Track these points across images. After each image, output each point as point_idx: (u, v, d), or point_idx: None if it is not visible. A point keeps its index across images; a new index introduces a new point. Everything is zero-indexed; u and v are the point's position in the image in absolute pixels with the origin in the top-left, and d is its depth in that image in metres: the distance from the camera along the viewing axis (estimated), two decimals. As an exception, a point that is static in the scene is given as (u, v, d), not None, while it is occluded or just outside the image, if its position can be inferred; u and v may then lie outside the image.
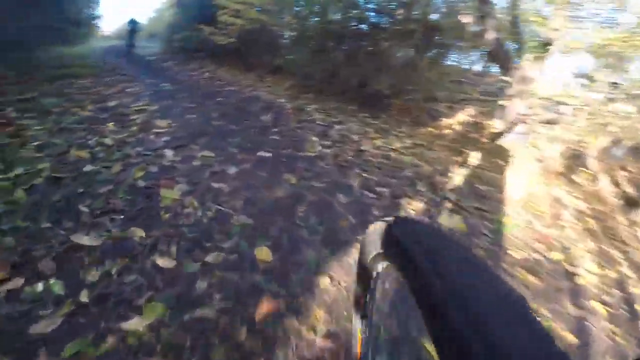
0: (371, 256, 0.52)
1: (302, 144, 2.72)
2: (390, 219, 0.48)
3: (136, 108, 2.98)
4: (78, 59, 6.71)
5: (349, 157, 2.64)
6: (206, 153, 2.19)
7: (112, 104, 3.03)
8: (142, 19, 14.11)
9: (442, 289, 0.29)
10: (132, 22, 9.85)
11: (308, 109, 4.11)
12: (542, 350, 0.24)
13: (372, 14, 4.94)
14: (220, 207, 1.66)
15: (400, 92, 5.54)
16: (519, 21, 4.16)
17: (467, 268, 0.33)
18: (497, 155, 3.74)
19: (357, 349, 0.63)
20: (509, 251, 1.90)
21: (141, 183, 1.78)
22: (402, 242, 0.39)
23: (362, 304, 0.61)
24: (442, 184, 2.65)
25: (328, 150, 2.68)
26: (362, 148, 2.92)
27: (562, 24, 3.52)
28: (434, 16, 5.03)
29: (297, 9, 5.12)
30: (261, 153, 2.35)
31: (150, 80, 4.65)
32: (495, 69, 6.68)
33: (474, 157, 3.63)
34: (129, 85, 4.16)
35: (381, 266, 0.52)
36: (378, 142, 3.25)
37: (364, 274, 0.57)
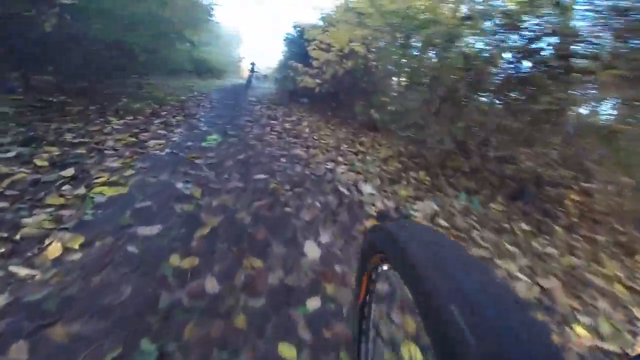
0: (371, 258, 0.52)
1: None
2: (389, 220, 0.52)
3: (81, 192, 1.62)
4: (176, 91, 6.51)
5: None
6: None
7: (66, 173, 1.77)
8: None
9: (441, 291, 0.29)
10: (252, 64, 10.84)
11: (415, 212, 2.17)
12: (541, 352, 0.23)
13: (553, 41, 2.72)
14: None
15: (578, 177, 3.13)
16: None
17: (466, 270, 0.32)
18: None
19: (357, 349, 0.61)
20: None
21: None
22: (401, 244, 0.39)
23: (362, 305, 0.60)
24: None
25: None
26: None
27: None
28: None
29: (405, 35, 3.32)
30: None
31: (205, 129, 3.54)
32: None
33: None
34: (166, 134, 3.06)
35: (381, 268, 0.52)
36: (584, 335, 1.08)
37: (364, 275, 0.57)
